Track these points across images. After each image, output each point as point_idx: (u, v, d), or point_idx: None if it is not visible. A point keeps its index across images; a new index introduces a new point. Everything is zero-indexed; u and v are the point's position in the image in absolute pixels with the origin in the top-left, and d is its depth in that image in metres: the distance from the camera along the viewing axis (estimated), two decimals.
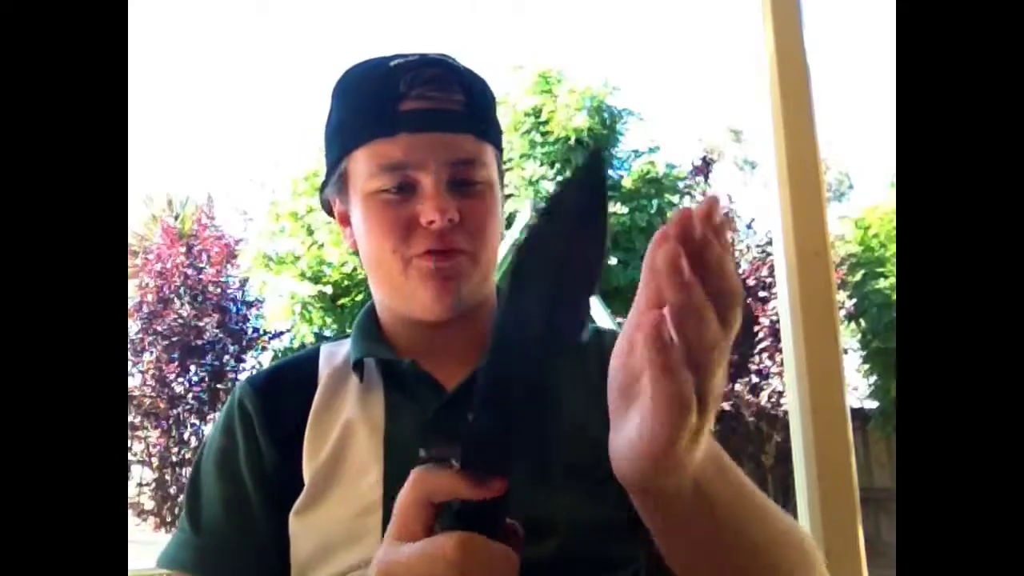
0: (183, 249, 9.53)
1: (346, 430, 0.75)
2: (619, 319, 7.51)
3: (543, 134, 9.18)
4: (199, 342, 9.23)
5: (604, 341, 0.81)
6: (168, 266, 9.30)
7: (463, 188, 0.75)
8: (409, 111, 0.75)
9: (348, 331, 0.87)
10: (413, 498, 0.47)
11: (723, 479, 0.52)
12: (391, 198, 0.75)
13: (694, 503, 0.49)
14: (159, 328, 9.07)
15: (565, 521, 0.69)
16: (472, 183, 0.76)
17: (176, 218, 11.09)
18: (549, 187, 8.70)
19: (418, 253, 0.74)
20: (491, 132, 0.79)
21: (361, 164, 0.76)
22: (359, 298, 8.75)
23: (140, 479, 9.23)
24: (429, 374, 0.77)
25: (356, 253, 0.83)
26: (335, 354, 0.83)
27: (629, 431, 0.45)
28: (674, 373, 0.41)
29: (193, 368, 9.29)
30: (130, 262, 9.41)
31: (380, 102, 0.76)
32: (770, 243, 6.53)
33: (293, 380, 0.82)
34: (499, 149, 0.81)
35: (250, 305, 9.94)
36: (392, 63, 0.77)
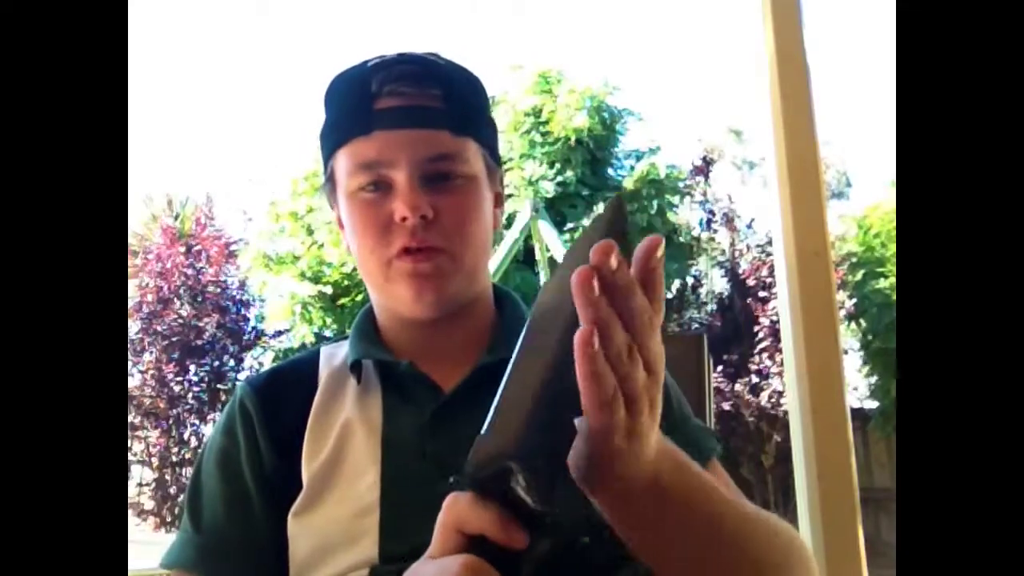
0: (182, 249, 9.53)
1: (344, 431, 0.75)
2: None
3: (543, 134, 9.17)
4: (199, 342, 9.23)
5: None
6: (168, 266, 9.30)
7: (440, 184, 0.75)
8: (382, 109, 0.75)
9: (348, 331, 0.87)
10: (443, 522, 0.48)
11: (680, 476, 0.56)
12: (368, 197, 0.76)
13: (651, 500, 0.53)
14: (159, 328, 9.07)
15: (561, 520, 0.70)
16: (449, 178, 0.76)
17: (176, 218, 11.08)
18: (549, 187, 8.70)
19: (396, 253, 0.74)
20: (473, 127, 0.79)
21: (342, 164, 0.77)
22: (359, 298, 8.75)
23: (140, 479, 9.23)
24: (426, 375, 0.77)
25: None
26: (335, 355, 0.83)
27: (576, 438, 0.50)
28: (595, 378, 0.46)
29: (193, 368, 9.29)
30: (130, 262, 9.40)
31: (356, 102, 0.76)
32: (770, 243, 6.53)
33: (293, 381, 0.82)
34: (487, 145, 0.81)
35: (250, 305, 9.94)
36: (370, 64, 0.77)
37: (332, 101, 0.80)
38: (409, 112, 0.75)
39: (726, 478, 0.78)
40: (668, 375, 0.82)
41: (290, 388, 0.81)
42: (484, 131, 0.81)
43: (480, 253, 0.79)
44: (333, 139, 0.79)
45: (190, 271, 9.41)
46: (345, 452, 0.74)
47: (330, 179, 0.81)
